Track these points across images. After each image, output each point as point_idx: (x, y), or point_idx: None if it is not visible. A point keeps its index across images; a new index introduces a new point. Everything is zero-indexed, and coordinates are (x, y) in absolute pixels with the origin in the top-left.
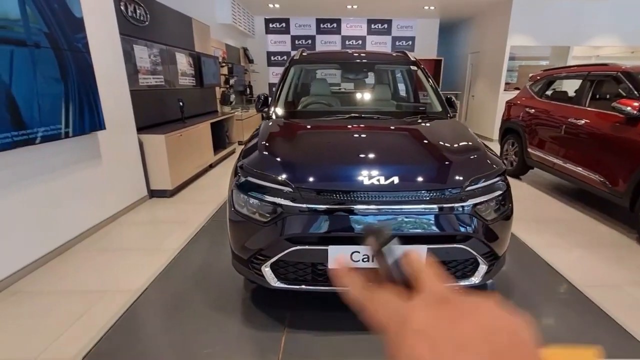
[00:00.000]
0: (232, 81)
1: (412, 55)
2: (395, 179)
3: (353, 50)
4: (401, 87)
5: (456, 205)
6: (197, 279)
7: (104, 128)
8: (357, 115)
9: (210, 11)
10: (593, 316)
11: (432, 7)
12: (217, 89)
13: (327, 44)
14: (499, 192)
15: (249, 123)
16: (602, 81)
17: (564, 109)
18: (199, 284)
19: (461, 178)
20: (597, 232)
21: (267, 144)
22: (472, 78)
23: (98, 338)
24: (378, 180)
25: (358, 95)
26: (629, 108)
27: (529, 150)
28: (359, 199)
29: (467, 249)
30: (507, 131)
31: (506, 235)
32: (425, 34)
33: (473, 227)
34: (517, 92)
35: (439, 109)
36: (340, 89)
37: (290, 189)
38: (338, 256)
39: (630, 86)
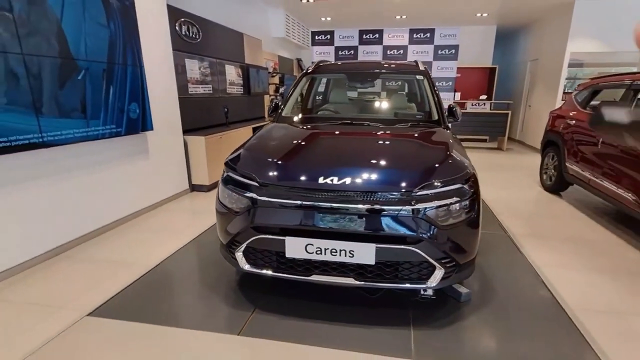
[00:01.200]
0: (281, 89)
1: (422, 65)
2: (348, 180)
3: (366, 61)
4: (414, 96)
5: (405, 208)
6: (204, 259)
7: (152, 129)
8: (348, 122)
9: (265, 26)
10: (569, 341)
11: (484, 14)
12: (267, 97)
13: (369, 54)
14: (456, 199)
15: None
16: None
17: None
18: (203, 263)
19: (413, 182)
20: (624, 257)
21: (251, 143)
22: (530, 87)
23: (108, 297)
24: (332, 180)
25: (364, 104)
26: None
27: (567, 164)
28: (314, 196)
29: (417, 252)
30: (548, 143)
31: (468, 242)
32: (478, 41)
33: (423, 230)
34: None
35: (436, 117)
36: (357, 97)
37: (257, 184)
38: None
39: None
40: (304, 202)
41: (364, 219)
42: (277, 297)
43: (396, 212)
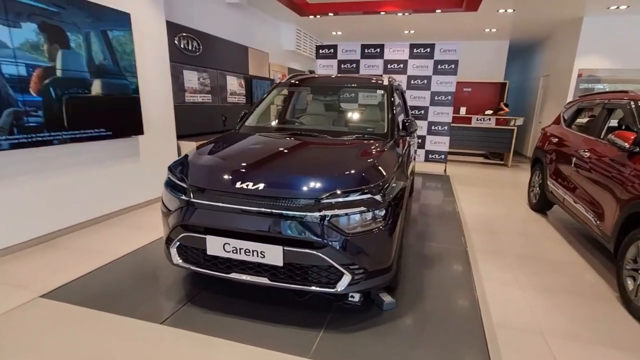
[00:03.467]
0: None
1: (388, 81)
2: (261, 185)
3: (334, 75)
4: (370, 110)
5: (309, 214)
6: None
7: (142, 134)
8: (297, 133)
9: (276, 40)
10: (473, 354)
11: (493, 30)
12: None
13: (370, 67)
14: (363, 208)
15: None
16: (617, 110)
17: (577, 140)
18: (162, 258)
19: (320, 190)
20: (579, 278)
21: (197, 150)
22: (542, 103)
23: (64, 282)
24: (247, 185)
25: (319, 117)
26: (620, 140)
27: (548, 182)
28: (231, 199)
29: (322, 257)
30: (536, 161)
31: (379, 251)
32: (489, 56)
33: (328, 237)
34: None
35: (385, 131)
36: (321, 111)
37: (185, 186)
38: None
39: (637, 118)
40: (221, 204)
41: (273, 222)
42: (212, 293)
43: (301, 218)
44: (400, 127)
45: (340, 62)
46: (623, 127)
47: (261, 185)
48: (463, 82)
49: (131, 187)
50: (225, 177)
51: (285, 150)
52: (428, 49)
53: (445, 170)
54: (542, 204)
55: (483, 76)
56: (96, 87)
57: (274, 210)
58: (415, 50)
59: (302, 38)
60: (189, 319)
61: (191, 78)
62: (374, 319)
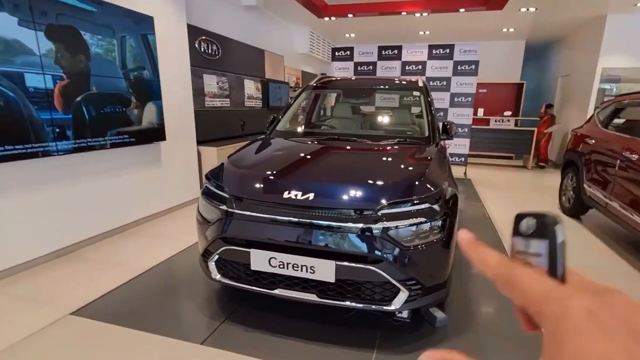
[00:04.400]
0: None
1: (422, 82)
2: (311, 196)
3: (365, 77)
4: (410, 112)
5: (365, 226)
6: (193, 265)
7: (165, 139)
8: (335, 137)
9: (289, 42)
10: None
11: (511, 29)
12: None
13: (388, 69)
14: (422, 219)
15: None
16: None
17: (621, 141)
18: (191, 270)
19: (376, 200)
20: (629, 288)
21: (233, 157)
22: (561, 104)
23: (93, 298)
24: (296, 195)
25: (354, 120)
26: None
27: (585, 186)
28: (278, 210)
29: (378, 272)
30: (568, 163)
31: (437, 265)
32: (505, 57)
33: (385, 250)
34: None
35: (426, 134)
36: (353, 114)
37: (226, 196)
38: (460, 232)
39: None
40: (268, 216)
41: (324, 235)
42: (250, 309)
43: (356, 230)
44: (441, 129)
45: (356, 64)
46: None
47: (311, 195)
48: (479, 83)
49: (153, 195)
50: (271, 186)
51: (330, 157)
52: (447, 50)
53: (465, 173)
54: (577, 208)
55: (499, 77)
56: (121, 92)
57: (326, 222)
58: (434, 52)
59: (316, 41)
60: (230, 338)
61: (210, 82)
62: (427, 337)
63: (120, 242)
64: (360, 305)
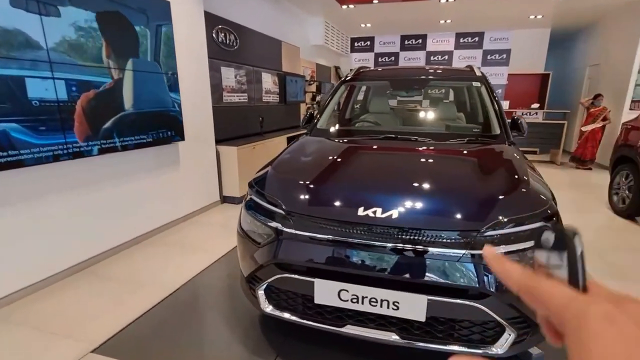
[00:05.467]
0: (318, 98)
1: (479, 70)
2: (395, 213)
3: (412, 66)
4: (466, 106)
5: (469, 252)
6: (222, 286)
7: (183, 139)
8: (393, 136)
9: (304, 33)
10: None
11: (539, 16)
12: (303, 105)
13: (411, 60)
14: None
15: None
16: None
17: None
18: (222, 292)
19: (480, 219)
20: None
21: (280, 162)
22: (589, 95)
23: (117, 329)
24: (374, 212)
25: (408, 115)
26: None
27: None
28: (353, 231)
29: (482, 309)
30: (621, 160)
31: None
32: (529, 46)
33: (492, 282)
34: None
35: (497, 132)
36: (400, 107)
37: (282, 212)
38: (485, 247)
39: None
40: (339, 238)
41: (413, 263)
42: (303, 344)
43: (456, 257)
44: (510, 126)
45: (377, 55)
46: None
47: (394, 212)
48: None
49: (171, 200)
50: (341, 201)
51: (401, 162)
52: (476, 38)
53: None
54: (634, 209)
55: (523, 67)
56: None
57: (416, 247)
58: (461, 40)
59: (330, 32)
60: None
61: (229, 76)
62: None
63: (140, 254)
64: (456, 348)
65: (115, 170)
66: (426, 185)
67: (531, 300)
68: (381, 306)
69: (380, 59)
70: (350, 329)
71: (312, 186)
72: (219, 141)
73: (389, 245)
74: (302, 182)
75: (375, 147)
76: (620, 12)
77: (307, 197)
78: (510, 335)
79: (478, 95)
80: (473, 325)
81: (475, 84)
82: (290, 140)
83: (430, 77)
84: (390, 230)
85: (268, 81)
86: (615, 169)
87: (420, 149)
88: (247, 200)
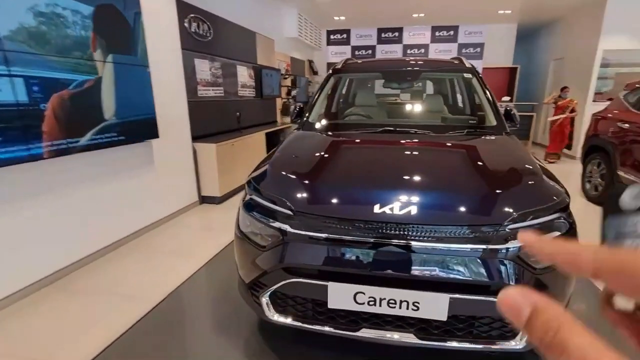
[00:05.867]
0: (294, 92)
1: (467, 62)
2: (412, 209)
3: (402, 58)
4: (455, 98)
5: (491, 247)
6: (214, 293)
7: (158, 137)
8: (391, 129)
9: (277, 26)
10: None
11: (507, 11)
12: (279, 100)
13: (388, 53)
14: (556, 234)
15: None
16: None
17: None
18: (215, 300)
19: (501, 213)
20: None
21: (280, 159)
22: (553, 87)
23: (101, 347)
24: (391, 209)
25: (402, 107)
26: None
27: (620, 173)
28: (365, 230)
29: None
30: (593, 149)
31: (565, 290)
32: (498, 40)
33: (513, 276)
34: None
35: (494, 123)
36: (391, 99)
37: (291, 212)
38: (521, 234)
39: None
40: (355, 238)
41: (434, 261)
42: (305, 347)
43: (478, 253)
44: (504, 117)
45: (354, 48)
46: None
47: (412, 209)
48: None
49: (147, 203)
50: (354, 198)
51: (410, 156)
52: (452, 32)
53: None
54: (606, 195)
55: (492, 61)
56: (108, 78)
57: (436, 244)
58: (437, 34)
59: (304, 24)
60: None
61: (203, 68)
62: None
63: (117, 263)
64: (477, 346)
65: (81, 174)
66: (443, 180)
67: (621, 285)
68: (400, 307)
69: (357, 52)
70: (365, 333)
71: (322, 184)
72: (195, 138)
73: (409, 243)
74: (311, 180)
75: (378, 141)
76: (582, 8)
77: (318, 196)
78: None
79: (466, 87)
80: (493, 322)
81: (467, 75)
82: (269, 136)
83: (423, 68)
84: (409, 228)
85: (244, 74)
86: (587, 158)
87: (424, 142)
88: (247, 200)
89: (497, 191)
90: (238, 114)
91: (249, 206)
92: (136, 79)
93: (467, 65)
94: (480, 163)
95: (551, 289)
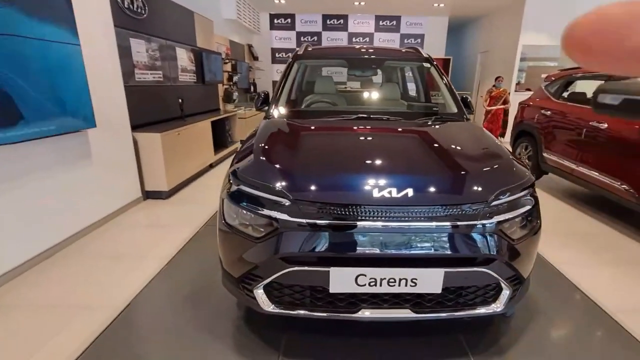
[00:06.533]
0: (235, 78)
1: (424, 52)
2: (409, 192)
3: (361, 45)
4: (411, 86)
5: (479, 223)
6: (186, 293)
7: (94, 126)
8: (364, 116)
9: (215, 6)
10: (630, 351)
11: (441, 5)
12: (220, 86)
13: (334, 40)
14: (527, 208)
15: (253, 122)
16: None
17: (584, 112)
18: (188, 300)
19: (485, 191)
20: (623, 248)
21: (264, 148)
22: (481, 78)
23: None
24: (390, 192)
25: (365, 94)
26: None
27: (545, 154)
28: (367, 214)
29: (489, 273)
30: (521, 134)
31: (532, 256)
32: (433, 32)
33: (497, 247)
34: (529, 92)
35: (454, 109)
36: (346, 87)
37: (288, 201)
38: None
39: None
40: (358, 223)
41: (430, 238)
42: (300, 336)
43: (469, 229)
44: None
45: (299, 34)
46: None
47: (409, 191)
48: None
49: (86, 201)
50: (353, 183)
51: (394, 141)
52: (394, 22)
53: None
54: (534, 174)
55: (432, 52)
56: (29, 54)
57: (432, 223)
58: (381, 23)
59: (242, 5)
60: None
61: (140, 50)
62: (509, 332)
63: (60, 270)
64: (464, 313)
65: (7, 170)
66: (433, 163)
67: None
68: (399, 285)
69: (302, 38)
70: (366, 313)
71: (316, 172)
72: (134, 127)
73: (407, 224)
74: (304, 168)
75: (357, 128)
76: (505, 6)
77: (313, 183)
78: (507, 292)
79: (422, 75)
80: (477, 290)
81: (426, 64)
82: (215, 124)
83: (386, 56)
84: (406, 209)
85: (183, 57)
86: (516, 142)
87: (401, 128)
88: (233, 191)
89: (481, 173)
90: (180, 100)
91: (237, 197)
92: (64, 53)
93: (425, 55)
94: (459, 147)
95: (523, 255)
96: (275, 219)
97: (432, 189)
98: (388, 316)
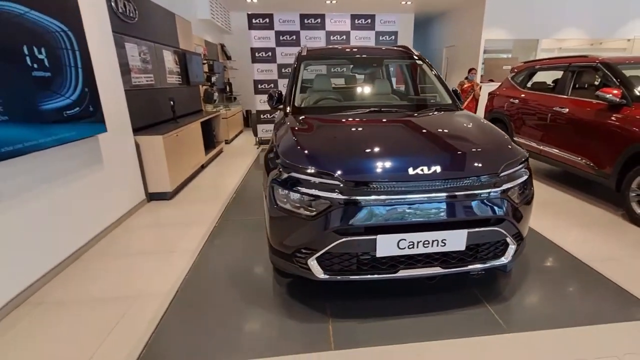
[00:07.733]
0: (213, 79)
1: (415, 51)
2: (438, 168)
3: (354, 45)
4: (414, 81)
5: (492, 190)
6: (227, 277)
7: (105, 131)
8: (377, 109)
9: (189, 7)
10: (605, 289)
11: (409, 2)
12: (200, 87)
13: (312, 39)
14: (524, 178)
15: (234, 121)
16: (582, 71)
17: (548, 99)
18: (231, 282)
19: (496, 165)
20: (588, 212)
21: (304, 139)
22: (447, 71)
23: (141, 346)
24: (422, 169)
25: (365, 90)
26: (610, 96)
27: (515, 138)
28: (405, 188)
29: (500, 231)
30: (492, 121)
31: (529, 217)
32: (402, 28)
33: (505, 210)
34: (493, 83)
35: (449, 101)
36: (346, 85)
37: (339, 182)
38: None
39: (610, 75)
40: (400, 197)
41: (456, 205)
42: (342, 301)
43: (486, 195)
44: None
45: (277, 33)
46: (586, 86)
47: (438, 168)
48: None
49: (100, 205)
50: (392, 164)
51: (412, 129)
52: (369, 20)
53: None
54: None
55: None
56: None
57: (457, 193)
58: (356, 21)
59: (215, 5)
60: (353, 334)
61: (134, 54)
62: (510, 282)
63: (97, 266)
64: (481, 266)
65: (25, 181)
66: (452, 144)
67: None
68: (432, 245)
69: (281, 37)
70: (404, 272)
71: (362, 156)
72: (135, 131)
73: (438, 195)
74: (350, 154)
75: (376, 120)
76: (468, 2)
77: (361, 166)
78: (513, 247)
79: (414, 72)
80: (490, 246)
81: (419, 62)
82: (204, 124)
83: (383, 55)
84: (436, 183)
85: (169, 60)
86: None
87: (412, 119)
88: (284, 179)
89: (490, 150)
90: (172, 102)
91: (288, 184)
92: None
93: (415, 53)
94: (467, 131)
95: (524, 216)
96: (328, 199)
97: (455, 165)
98: (422, 273)
